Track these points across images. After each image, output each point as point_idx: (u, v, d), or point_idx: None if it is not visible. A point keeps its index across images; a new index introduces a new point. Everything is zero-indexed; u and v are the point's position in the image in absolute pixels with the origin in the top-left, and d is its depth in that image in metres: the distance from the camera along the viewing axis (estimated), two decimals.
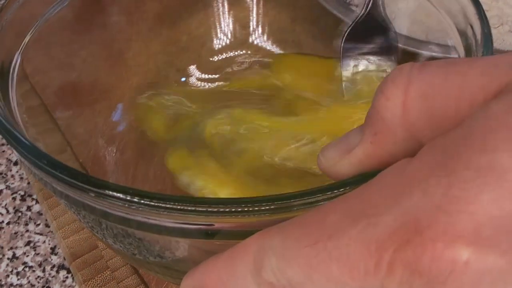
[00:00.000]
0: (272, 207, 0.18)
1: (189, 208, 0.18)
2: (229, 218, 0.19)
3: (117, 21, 0.39)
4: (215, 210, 0.18)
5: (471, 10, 0.29)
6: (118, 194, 0.19)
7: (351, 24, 0.37)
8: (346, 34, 0.38)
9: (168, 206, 0.19)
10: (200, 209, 0.18)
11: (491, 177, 0.14)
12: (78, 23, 0.37)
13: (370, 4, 0.36)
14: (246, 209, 0.18)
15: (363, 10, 0.37)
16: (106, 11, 0.38)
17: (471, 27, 0.30)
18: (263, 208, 0.18)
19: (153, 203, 0.19)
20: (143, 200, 0.19)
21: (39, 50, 0.34)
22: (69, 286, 0.36)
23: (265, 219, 0.19)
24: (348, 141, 0.20)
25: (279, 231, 0.17)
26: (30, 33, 0.30)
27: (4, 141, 0.45)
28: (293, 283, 0.17)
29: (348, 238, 0.15)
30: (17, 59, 0.29)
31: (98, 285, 0.35)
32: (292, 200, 0.19)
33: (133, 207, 0.19)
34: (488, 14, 0.48)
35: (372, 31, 0.37)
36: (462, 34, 0.31)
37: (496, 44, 0.48)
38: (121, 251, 0.28)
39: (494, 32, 0.48)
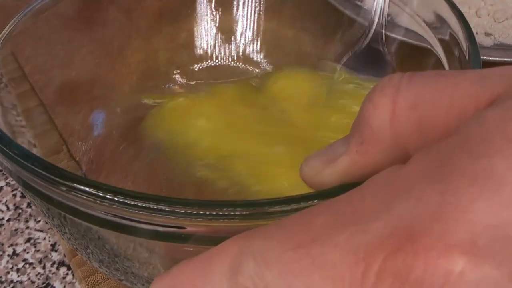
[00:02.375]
0: (247, 212, 0.18)
1: (161, 208, 0.18)
2: (201, 222, 0.18)
3: (117, 18, 0.39)
4: (187, 211, 0.18)
5: (461, 37, 0.28)
6: (90, 190, 0.19)
7: (350, 53, 0.37)
8: (343, 62, 0.37)
9: (139, 204, 0.18)
10: (172, 209, 0.18)
11: (487, 184, 0.13)
12: (78, 21, 0.37)
13: (370, 35, 0.36)
14: (218, 212, 0.18)
15: (363, 41, 0.36)
16: (105, 8, 0.38)
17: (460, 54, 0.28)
18: (236, 213, 0.18)
19: (124, 201, 0.18)
20: (115, 197, 0.18)
21: (37, 48, 0.34)
22: (69, 283, 0.37)
23: (239, 225, 0.18)
24: (333, 150, 0.19)
25: (261, 233, 0.17)
26: (14, 22, 0.30)
27: None
28: None
29: (334, 244, 0.15)
30: None
31: (98, 282, 0.35)
32: (268, 207, 0.18)
33: (101, 202, 0.19)
34: (493, 8, 0.47)
35: (370, 60, 0.36)
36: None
37: (501, 39, 0.47)
38: (107, 275, 0.28)
39: (499, 26, 0.47)
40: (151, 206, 0.18)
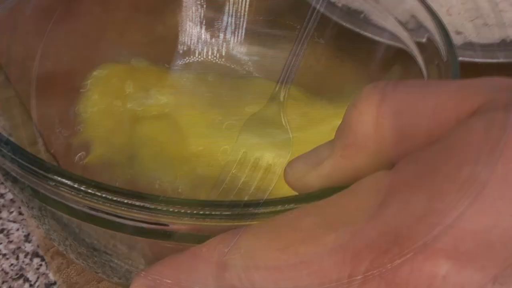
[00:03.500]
0: (229, 213, 0.18)
1: (144, 205, 0.18)
2: (184, 220, 0.18)
3: (93, 10, 0.39)
4: (169, 209, 0.18)
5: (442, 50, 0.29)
6: (74, 184, 0.19)
7: None
8: None
9: (123, 201, 0.18)
10: (155, 207, 0.18)
11: (471, 191, 0.14)
12: (54, 12, 0.36)
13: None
14: (200, 212, 0.18)
15: None
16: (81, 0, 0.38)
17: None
18: (219, 213, 0.18)
19: (107, 196, 0.18)
20: (99, 192, 0.18)
21: (12, 39, 0.34)
22: (43, 274, 0.36)
23: (223, 224, 0.18)
24: (318, 154, 0.20)
25: (248, 232, 0.17)
26: None
27: None
28: None
29: (322, 245, 0.15)
30: None
31: (73, 274, 0.35)
32: (252, 208, 0.18)
33: (86, 197, 0.19)
34: (464, 7, 0.48)
35: None
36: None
37: (472, 37, 0.48)
38: (84, 267, 0.28)
39: (469, 25, 0.48)
40: (135, 203, 0.18)
